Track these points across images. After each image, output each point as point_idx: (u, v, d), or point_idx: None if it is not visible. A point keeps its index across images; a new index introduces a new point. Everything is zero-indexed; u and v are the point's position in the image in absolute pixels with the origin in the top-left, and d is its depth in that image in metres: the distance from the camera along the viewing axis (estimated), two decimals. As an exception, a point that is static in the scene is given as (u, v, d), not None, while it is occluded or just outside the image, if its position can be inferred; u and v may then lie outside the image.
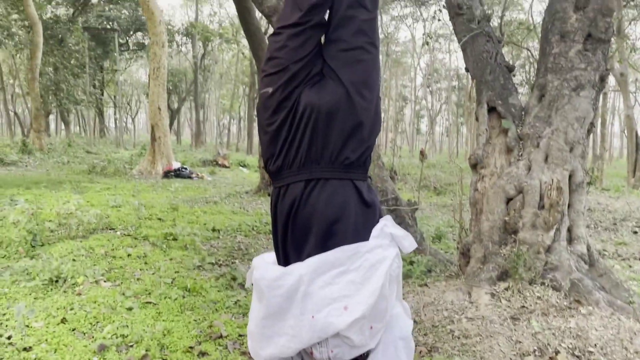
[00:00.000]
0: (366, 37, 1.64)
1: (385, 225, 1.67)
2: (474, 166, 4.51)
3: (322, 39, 1.69)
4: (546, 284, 3.61)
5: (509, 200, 4.05)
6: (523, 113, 4.37)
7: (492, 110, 4.50)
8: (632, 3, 13.39)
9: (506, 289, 3.67)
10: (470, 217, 4.49)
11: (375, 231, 1.64)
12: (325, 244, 1.59)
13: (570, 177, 3.93)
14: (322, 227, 1.60)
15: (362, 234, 1.62)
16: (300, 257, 1.63)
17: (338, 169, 1.63)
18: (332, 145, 1.62)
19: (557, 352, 2.93)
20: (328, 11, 1.67)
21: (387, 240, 1.64)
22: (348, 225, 1.61)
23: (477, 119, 4.64)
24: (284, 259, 1.69)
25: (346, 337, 1.54)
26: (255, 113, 1.71)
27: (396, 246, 1.66)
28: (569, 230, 3.91)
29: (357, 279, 1.54)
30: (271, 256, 1.79)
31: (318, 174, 1.63)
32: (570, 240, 3.89)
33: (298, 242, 1.64)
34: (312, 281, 1.55)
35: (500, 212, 4.03)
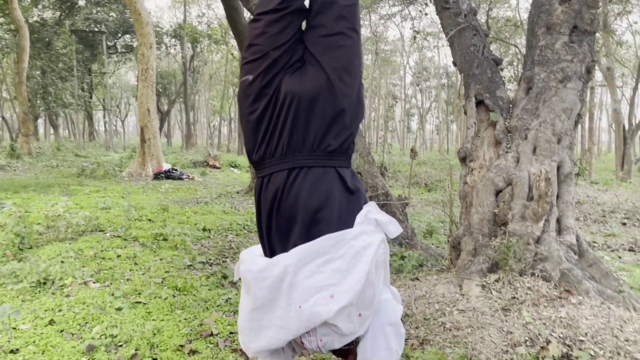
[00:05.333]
0: (347, 23, 1.62)
1: (370, 211, 1.65)
2: (463, 160, 4.51)
3: (304, 24, 1.67)
4: (536, 275, 3.62)
5: (498, 192, 4.05)
6: (511, 106, 4.39)
7: (480, 103, 4.50)
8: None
9: (496, 281, 3.67)
10: (461, 211, 4.49)
11: (360, 217, 1.62)
12: (310, 233, 1.57)
13: (558, 168, 3.94)
14: (306, 215, 1.58)
15: (346, 221, 1.60)
16: (285, 248, 1.61)
17: (320, 157, 1.62)
18: (314, 133, 1.61)
19: (548, 342, 2.93)
20: None
21: (372, 226, 1.63)
22: (332, 212, 1.59)
23: (465, 113, 4.65)
24: (270, 250, 1.67)
25: (334, 325, 1.52)
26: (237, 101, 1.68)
27: (381, 232, 1.64)
28: (558, 221, 3.91)
29: (342, 266, 1.53)
30: (259, 248, 1.77)
31: (300, 162, 1.61)
32: (559, 231, 3.90)
33: (283, 232, 1.63)
34: (297, 271, 1.53)
35: (490, 205, 4.03)
